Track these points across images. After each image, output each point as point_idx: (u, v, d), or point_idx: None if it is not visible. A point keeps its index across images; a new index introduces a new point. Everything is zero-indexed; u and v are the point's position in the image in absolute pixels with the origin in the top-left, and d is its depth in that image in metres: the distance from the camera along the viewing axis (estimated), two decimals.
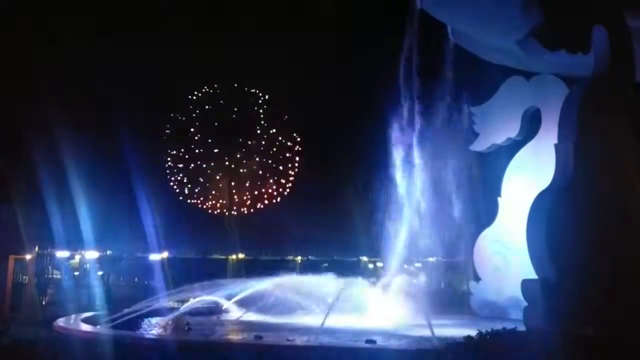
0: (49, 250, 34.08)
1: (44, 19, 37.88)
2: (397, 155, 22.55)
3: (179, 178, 50.08)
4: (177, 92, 47.14)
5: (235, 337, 14.60)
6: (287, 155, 49.76)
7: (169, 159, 50.18)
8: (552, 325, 11.40)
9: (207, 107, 50.24)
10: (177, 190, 49.95)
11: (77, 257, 38.53)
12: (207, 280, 20.60)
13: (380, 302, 17.37)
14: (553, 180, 14.40)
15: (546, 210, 13.78)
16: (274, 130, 49.50)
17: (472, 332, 10.69)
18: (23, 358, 12.66)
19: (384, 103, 23.15)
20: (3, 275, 27.59)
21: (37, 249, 32.02)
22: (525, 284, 13.77)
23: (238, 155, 49.58)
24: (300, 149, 49.75)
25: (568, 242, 13.36)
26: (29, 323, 17.31)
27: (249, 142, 49.45)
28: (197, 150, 50.06)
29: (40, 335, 14.17)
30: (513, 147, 20.21)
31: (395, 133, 22.62)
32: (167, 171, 49.93)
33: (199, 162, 49.96)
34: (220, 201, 50.02)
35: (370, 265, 40.75)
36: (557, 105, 15.51)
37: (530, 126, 19.75)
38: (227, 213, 49.45)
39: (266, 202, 50.06)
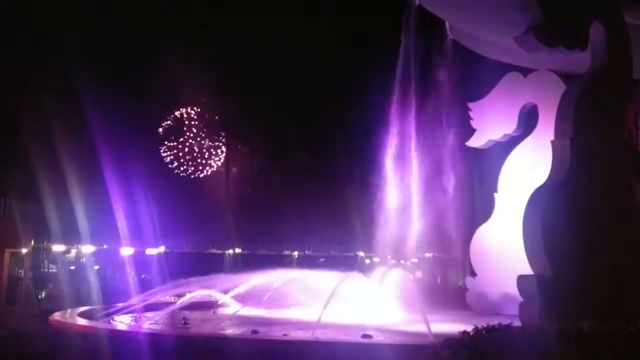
0: (45, 244, 34.09)
1: (41, 18, 37.85)
2: (394, 151, 22.57)
3: (173, 155, 51.26)
4: (174, 86, 47.06)
5: (231, 331, 14.61)
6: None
7: (165, 147, 51.20)
8: (547, 320, 11.43)
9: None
10: (174, 164, 51.13)
11: (73, 251, 38.53)
12: (204, 274, 20.61)
13: (377, 297, 17.39)
14: (549, 177, 14.42)
15: (542, 207, 13.80)
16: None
17: (468, 328, 10.70)
18: (19, 351, 12.67)
19: (381, 99, 23.17)
20: None
21: (32, 242, 32.01)
22: (521, 279, 13.80)
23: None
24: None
25: (564, 238, 13.40)
26: (25, 316, 17.31)
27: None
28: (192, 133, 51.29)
29: (37, 329, 14.17)
30: (510, 144, 20.24)
31: (391, 128, 22.65)
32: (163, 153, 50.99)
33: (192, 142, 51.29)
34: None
35: (367, 261, 40.82)
36: (554, 101, 15.52)
37: (527, 122, 19.78)
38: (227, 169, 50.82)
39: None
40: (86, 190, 32.97)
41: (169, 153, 52.21)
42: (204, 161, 52.61)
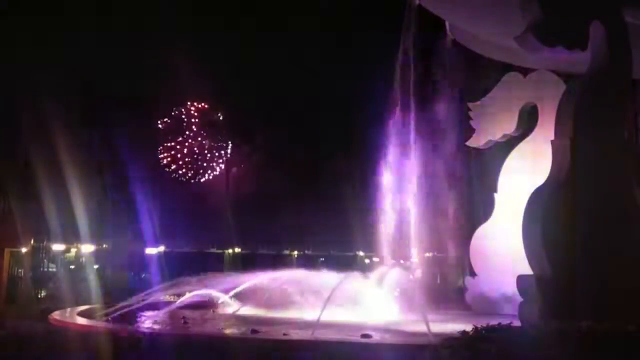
0: (45, 243, 34.05)
1: (41, 18, 37.89)
2: (394, 150, 22.57)
3: (170, 158, 50.29)
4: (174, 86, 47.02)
5: (231, 331, 14.61)
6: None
7: (161, 149, 50.39)
8: (547, 320, 11.44)
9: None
10: (172, 169, 50.10)
11: (73, 251, 38.49)
12: (204, 274, 20.60)
13: (376, 297, 17.39)
14: (549, 177, 14.43)
15: (542, 207, 13.81)
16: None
17: (468, 328, 10.72)
18: (18, 351, 12.66)
19: (381, 99, 23.17)
20: None
21: (32, 241, 31.97)
22: (521, 279, 13.81)
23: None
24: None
25: (563, 238, 13.40)
26: (24, 316, 17.30)
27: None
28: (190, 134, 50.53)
29: (36, 328, 14.17)
30: (510, 144, 20.24)
31: (391, 128, 22.65)
32: (160, 154, 50.10)
33: (192, 142, 50.37)
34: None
35: (367, 261, 40.82)
36: (554, 101, 15.55)
37: (527, 122, 19.79)
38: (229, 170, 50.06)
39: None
40: (86, 189, 32.96)
41: (165, 155, 50.54)
42: (204, 164, 51.18)
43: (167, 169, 50.11)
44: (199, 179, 50.83)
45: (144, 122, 47.64)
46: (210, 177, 51.22)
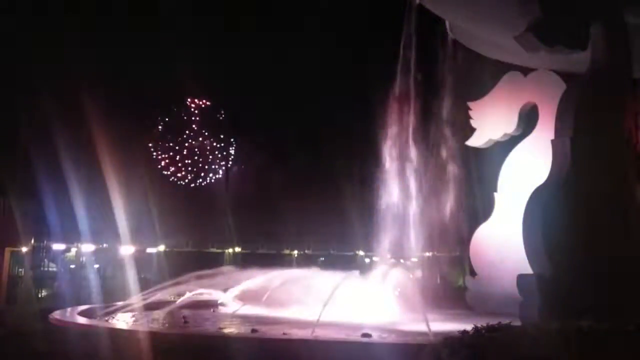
0: (45, 242, 34.08)
1: (41, 18, 37.96)
2: (394, 150, 22.58)
3: (168, 160, 49.51)
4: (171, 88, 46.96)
5: (230, 330, 14.61)
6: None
7: (159, 150, 49.76)
8: (547, 320, 11.44)
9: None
10: (170, 172, 49.30)
11: (73, 250, 38.52)
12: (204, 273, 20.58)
13: (376, 296, 17.39)
14: (549, 176, 14.44)
15: (542, 206, 13.82)
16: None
17: (468, 327, 10.70)
18: (19, 350, 12.69)
19: (381, 99, 23.17)
20: None
21: (33, 241, 32.00)
22: (521, 278, 13.81)
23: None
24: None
25: (564, 238, 13.41)
26: (25, 315, 17.32)
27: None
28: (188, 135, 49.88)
29: (36, 328, 14.20)
30: (510, 143, 20.25)
31: (391, 128, 22.66)
32: (158, 157, 49.43)
33: (192, 142, 49.65)
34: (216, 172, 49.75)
35: (367, 260, 40.83)
36: (554, 101, 15.55)
37: (527, 122, 19.80)
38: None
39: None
40: (86, 188, 32.99)
41: (164, 156, 49.21)
42: (205, 166, 49.95)
43: (166, 172, 49.24)
44: (200, 183, 50.03)
45: (144, 122, 47.62)
46: (212, 181, 50.46)
